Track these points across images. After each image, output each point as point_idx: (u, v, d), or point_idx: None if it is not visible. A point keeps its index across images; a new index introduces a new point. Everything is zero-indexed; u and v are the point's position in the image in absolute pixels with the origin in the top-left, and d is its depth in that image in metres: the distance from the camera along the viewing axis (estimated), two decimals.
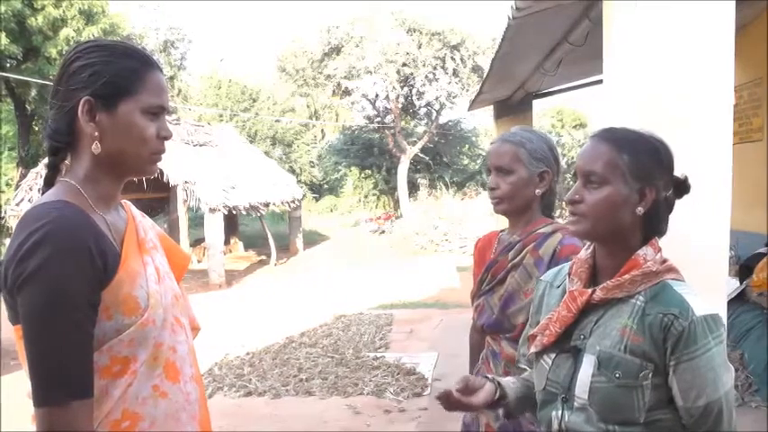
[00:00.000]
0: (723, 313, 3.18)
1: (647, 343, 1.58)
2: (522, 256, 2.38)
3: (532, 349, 1.82)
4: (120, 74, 1.54)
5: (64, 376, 1.37)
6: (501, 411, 1.94)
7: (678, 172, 1.72)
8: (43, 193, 1.56)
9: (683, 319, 1.55)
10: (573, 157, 12.20)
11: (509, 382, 1.93)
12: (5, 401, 6.42)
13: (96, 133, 1.52)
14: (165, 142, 1.63)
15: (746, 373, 5.40)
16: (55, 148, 1.58)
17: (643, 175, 1.65)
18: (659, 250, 1.69)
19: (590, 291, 1.69)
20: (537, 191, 2.43)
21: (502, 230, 2.64)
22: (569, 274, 1.81)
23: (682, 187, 1.72)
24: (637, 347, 1.59)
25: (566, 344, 1.73)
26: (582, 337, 1.70)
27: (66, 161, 1.60)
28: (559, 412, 1.73)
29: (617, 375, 1.60)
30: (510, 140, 2.44)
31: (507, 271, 2.41)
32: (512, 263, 2.41)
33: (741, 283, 6.11)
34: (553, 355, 1.76)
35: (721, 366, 1.57)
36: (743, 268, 6.24)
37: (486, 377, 1.91)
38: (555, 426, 1.74)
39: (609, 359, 1.62)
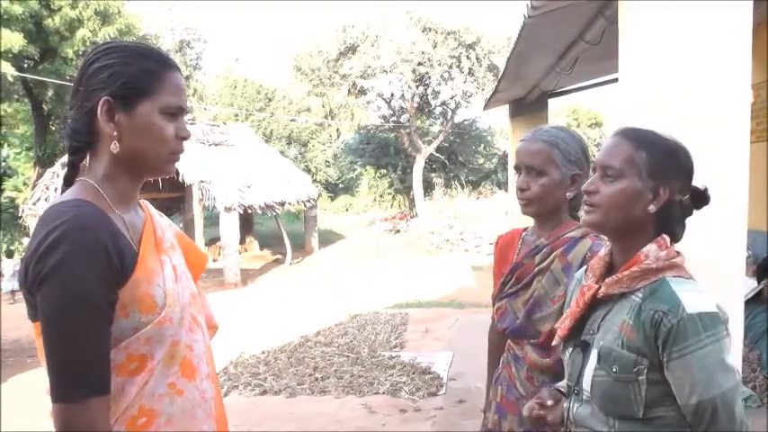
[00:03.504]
0: (739, 314, 3.17)
1: (640, 339, 1.61)
2: (551, 260, 2.28)
3: (554, 342, 1.88)
4: (138, 74, 1.55)
5: (81, 373, 1.39)
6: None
7: (698, 183, 1.73)
8: (62, 192, 1.58)
9: (672, 316, 1.56)
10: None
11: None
12: (16, 399, 6.51)
13: (115, 133, 1.54)
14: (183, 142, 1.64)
15: (764, 374, 5.36)
16: (74, 148, 1.59)
17: (658, 174, 1.67)
18: (666, 248, 1.69)
19: (597, 286, 1.74)
20: (568, 194, 2.31)
21: (525, 229, 2.52)
22: (586, 270, 1.86)
23: (700, 198, 1.73)
24: (632, 343, 1.62)
25: (579, 338, 1.78)
26: (591, 331, 1.75)
27: (85, 161, 1.62)
28: (570, 404, 1.80)
29: (614, 369, 1.63)
30: (543, 140, 2.31)
31: (533, 275, 2.31)
32: (538, 267, 2.30)
33: (758, 283, 6.06)
34: (570, 350, 1.81)
35: (714, 366, 1.55)
36: (760, 268, 6.19)
37: (560, 391, 1.94)
38: (565, 417, 1.81)
39: (608, 354, 1.66)
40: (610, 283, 1.70)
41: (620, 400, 1.63)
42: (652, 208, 1.68)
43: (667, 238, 1.71)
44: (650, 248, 1.68)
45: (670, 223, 1.72)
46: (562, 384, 1.96)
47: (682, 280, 1.65)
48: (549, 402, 1.87)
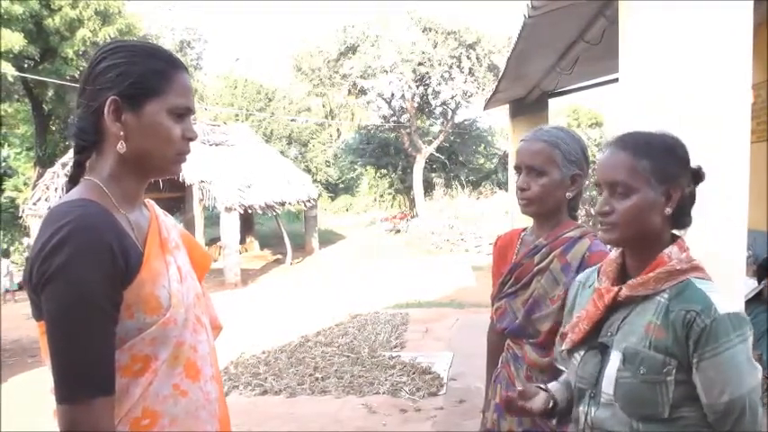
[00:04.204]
0: None
1: (670, 339, 1.61)
2: (549, 260, 2.29)
3: (563, 347, 1.87)
4: (146, 74, 1.55)
5: (86, 374, 1.39)
6: (554, 421, 2.00)
7: (692, 163, 1.75)
8: (67, 191, 1.57)
9: (705, 316, 1.57)
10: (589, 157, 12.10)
11: (557, 389, 1.97)
12: (17, 399, 6.51)
13: (122, 133, 1.53)
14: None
15: (765, 374, 5.36)
16: (80, 147, 1.59)
17: (666, 177, 1.68)
18: (686, 250, 1.71)
19: (617, 288, 1.73)
20: (568, 194, 2.32)
21: (524, 229, 2.53)
22: (598, 273, 1.86)
23: (696, 177, 1.75)
24: (660, 343, 1.62)
25: (594, 341, 1.77)
26: (609, 334, 1.74)
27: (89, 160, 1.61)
28: (587, 408, 1.78)
29: (641, 371, 1.63)
30: (544, 140, 2.31)
31: (532, 275, 2.31)
32: (537, 267, 2.30)
33: (759, 283, 6.05)
34: (582, 352, 1.81)
35: (744, 364, 1.58)
36: (760, 268, 6.18)
37: (540, 387, 1.97)
38: (582, 421, 1.79)
39: (634, 355, 1.65)
40: (634, 285, 1.70)
41: (646, 402, 1.63)
42: (668, 210, 1.69)
43: (685, 243, 1.73)
44: (672, 250, 1.69)
45: (683, 216, 1.74)
46: (553, 385, 1.99)
47: (705, 281, 1.67)
48: (519, 387, 1.92)
